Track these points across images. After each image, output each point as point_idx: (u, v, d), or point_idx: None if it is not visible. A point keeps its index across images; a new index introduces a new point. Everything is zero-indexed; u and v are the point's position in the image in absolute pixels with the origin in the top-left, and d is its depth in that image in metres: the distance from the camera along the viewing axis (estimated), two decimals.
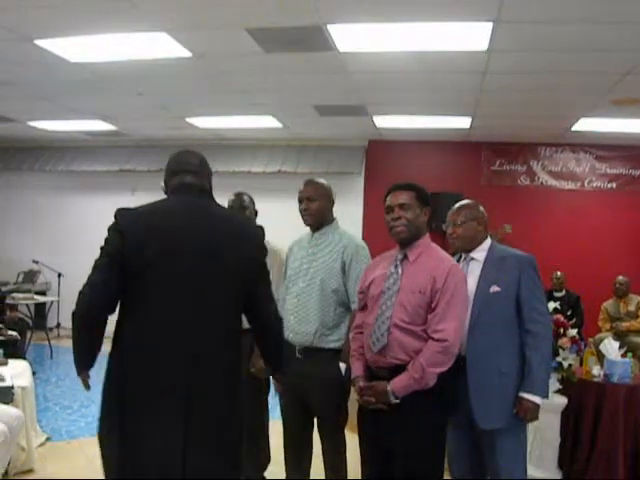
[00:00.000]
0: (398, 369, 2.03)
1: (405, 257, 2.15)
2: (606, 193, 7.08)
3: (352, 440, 2.40)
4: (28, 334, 5.73)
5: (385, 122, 6.51)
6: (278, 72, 4.78)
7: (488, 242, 2.44)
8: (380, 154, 7.44)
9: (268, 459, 3.03)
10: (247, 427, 2.92)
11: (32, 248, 7.80)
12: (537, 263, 2.38)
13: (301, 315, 2.54)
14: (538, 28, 3.62)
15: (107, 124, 7.01)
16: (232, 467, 1.88)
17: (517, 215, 6.85)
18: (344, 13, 3.56)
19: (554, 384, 3.18)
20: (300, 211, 2.63)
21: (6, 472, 2.94)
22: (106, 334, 1.82)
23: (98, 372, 1.83)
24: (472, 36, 3.79)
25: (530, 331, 2.28)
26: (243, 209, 2.96)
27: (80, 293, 1.74)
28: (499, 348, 2.28)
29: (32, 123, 7.09)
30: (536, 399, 2.25)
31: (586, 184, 7.14)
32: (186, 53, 4.29)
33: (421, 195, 2.17)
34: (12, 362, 3.59)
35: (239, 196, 2.99)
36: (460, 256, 2.46)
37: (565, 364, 3.22)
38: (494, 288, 2.29)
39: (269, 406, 3.02)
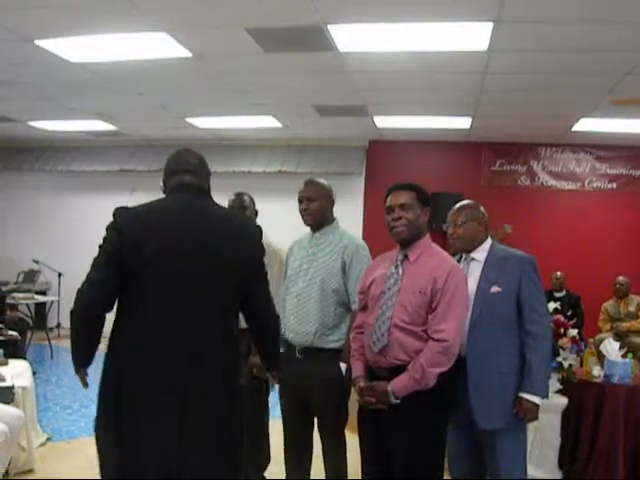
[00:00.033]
0: (398, 369, 2.03)
1: (405, 257, 2.15)
2: (606, 193, 7.09)
3: (352, 440, 2.40)
4: (28, 334, 5.73)
5: (385, 122, 6.51)
6: (278, 72, 4.78)
7: (489, 242, 2.44)
8: (380, 154, 7.44)
9: (268, 459, 3.03)
10: (247, 427, 2.93)
11: (32, 248, 7.80)
12: (537, 263, 2.38)
13: (301, 315, 2.54)
14: (538, 28, 3.62)
15: (107, 124, 7.02)
16: (232, 467, 1.88)
17: (517, 215, 6.84)
18: (344, 13, 3.56)
19: (554, 384, 3.18)
20: (300, 211, 2.63)
21: (6, 472, 2.94)
22: (104, 334, 1.82)
23: (97, 371, 1.83)
24: (472, 36, 3.79)
25: (530, 332, 2.28)
26: (243, 209, 2.96)
27: (78, 291, 1.75)
28: (499, 348, 2.28)
29: (32, 123, 7.09)
30: (536, 399, 2.25)
31: (586, 184, 7.14)
32: (186, 53, 4.29)
33: (421, 195, 2.17)
34: (12, 362, 3.59)
35: (239, 196, 2.99)
36: (460, 256, 2.46)
37: (565, 364, 3.22)
38: (495, 288, 2.29)
39: (269, 406, 3.02)
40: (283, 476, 2.74)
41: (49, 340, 6.59)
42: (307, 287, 2.55)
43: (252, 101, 5.72)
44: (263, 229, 3.03)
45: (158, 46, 4.15)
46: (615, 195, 7.05)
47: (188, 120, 6.66)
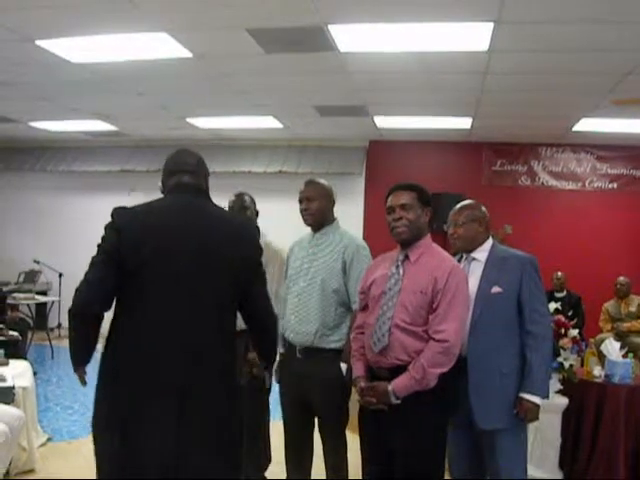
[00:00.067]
0: (399, 369, 2.03)
1: (406, 257, 2.14)
2: (607, 193, 7.08)
3: (353, 440, 2.40)
4: (29, 334, 5.74)
5: (386, 122, 6.51)
6: (279, 72, 4.78)
7: (489, 242, 2.44)
8: (381, 154, 7.44)
9: (269, 459, 3.03)
10: (248, 427, 2.92)
11: (33, 248, 7.81)
12: (538, 263, 2.38)
13: (302, 315, 2.54)
14: (539, 28, 3.62)
15: (108, 124, 7.02)
16: (231, 467, 1.89)
17: (518, 215, 6.84)
18: (345, 13, 3.56)
19: (555, 384, 3.18)
20: (300, 211, 2.63)
21: (7, 472, 2.94)
22: (101, 333, 1.83)
23: (97, 370, 1.83)
24: (473, 36, 3.79)
25: (531, 332, 2.28)
26: (244, 209, 2.96)
27: (77, 290, 1.75)
28: (500, 348, 2.27)
29: (33, 123, 7.10)
30: (536, 399, 2.25)
31: (587, 184, 7.14)
32: (187, 53, 4.30)
33: (422, 195, 2.17)
34: (13, 362, 3.60)
35: (240, 196, 2.99)
36: (461, 256, 2.46)
37: (566, 364, 3.22)
38: (495, 289, 2.29)
39: (270, 406, 3.02)
40: (284, 476, 2.74)
41: (50, 340, 6.59)
42: (308, 287, 2.55)
43: (253, 101, 5.73)
44: (264, 229, 3.03)
45: (159, 46, 4.15)
46: (616, 195, 7.04)
47: (189, 120, 6.67)
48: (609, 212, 6.97)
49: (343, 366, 2.46)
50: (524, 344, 2.29)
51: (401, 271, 2.12)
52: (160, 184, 1.97)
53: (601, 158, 7.08)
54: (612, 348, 3.61)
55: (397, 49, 4.10)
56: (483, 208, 2.49)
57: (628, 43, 3.75)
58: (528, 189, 7.25)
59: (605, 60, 4.10)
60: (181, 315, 1.78)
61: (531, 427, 2.55)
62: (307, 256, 2.61)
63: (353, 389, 2.34)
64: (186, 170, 1.91)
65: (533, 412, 2.26)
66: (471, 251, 2.42)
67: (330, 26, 3.73)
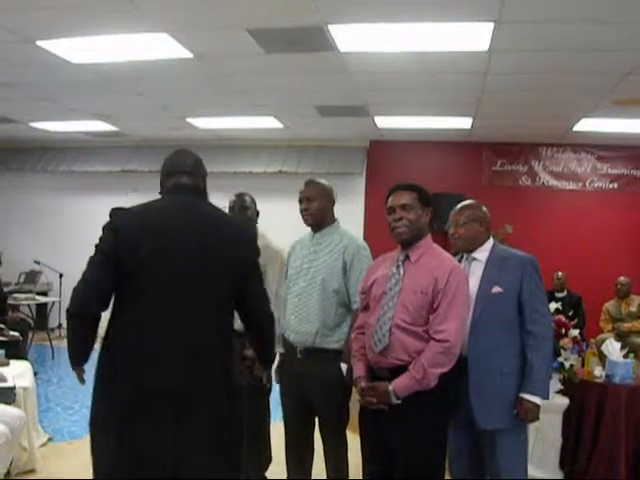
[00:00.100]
0: (400, 370, 2.03)
1: (407, 258, 2.15)
2: (607, 193, 7.08)
3: (354, 440, 2.40)
4: (30, 334, 5.74)
5: (386, 122, 6.51)
6: (279, 73, 4.78)
7: (490, 242, 2.44)
8: (381, 154, 7.44)
9: (269, 459, 3.03)
10: (248, 427, 2.91)
11: (34, 248, 7.81)
12: (539, 264, 2.38)
13: (302, 315, 2.54)
14: (539, 28, 3.62)
15: (108, 125, 7.02)
16: (231, 467, 1.89)
17: (518, 215, 6.84)
18: (345, 13, 3.56)
19: (556, 385, 3.17)
20: (300, 211, 2.64)
21: (8, 472, 2.95)
22: (98, 333, 1.83)
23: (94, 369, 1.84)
24: (473, 36, 3.79)
25: (531, 332, 2.28)
26: (244, 210, 2.96)
27: (74, 290, 1.76)
28: (500, 349, 2.28)
29: (34, 124, 7.10)
30: (536, 400, 2.25)
31: (587, 184, 7.14)
32: (187, 54, 4.30)
33: (423, 196, 2.17)
34: (14, 363, 3.60)
35: (240, 197, 3.00)
36: (462, 256, 2.46)
37: (567, 365, 3.22)
38: (496, 289, 2.29)
39: (271, 406, 3.02)
40: (284, 476, 2.74)
41: (50, 341, 6.60)
42: (308, 287, 2.55)
43: (253, 102, 5.73)
44: (264, 229, 3.05)
45: (159, 47, 4.16)
46: (616, 195, 7.04)
47: (189, 121, 6.67)
48: (610, 212, 6.96)
49: (343, 366, 2.46)
50: (524, 344, 2.29)
51: (402, 271, 2.12)
52: (160, 186, 1.98)
53: (601, 158, 7.07)
54: (613, 348, 3.61)
55: (397, 49, 4.10)
56: (484, 208, 2.49)
57: (628, 43, 3.75)
58: (528, 189, 7.24)
59: (605, 60, 4.10)
60: (180, 315, 1.79)
61: (532, 427, 2.55)
62: (307, 256, 2.61)
63: (354, 389, 2.34)
64: (184, 171, 1.92)
65: (533, 412, 2.26)
66: (472, 251, 2.42)
67: (330, 26, 3.74)
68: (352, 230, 2.75)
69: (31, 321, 6.27)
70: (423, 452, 2.04)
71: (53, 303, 7.20)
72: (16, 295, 6.44)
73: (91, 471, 1.81)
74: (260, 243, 2.90)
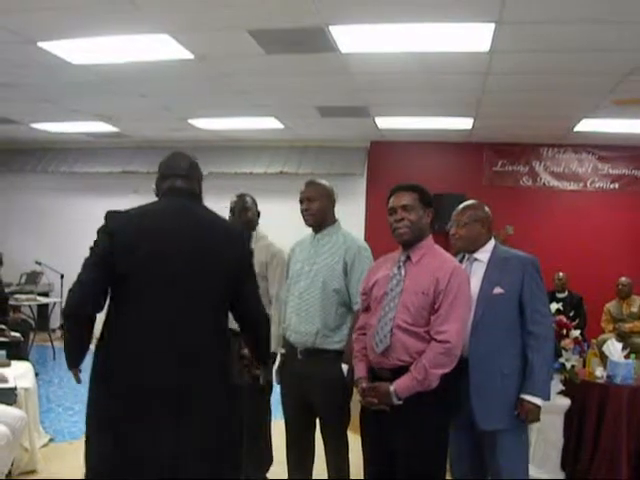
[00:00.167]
0: (401, 370, 2.03)
1: (408, 258, 2.15)
2: (609, 194, 7.07)
3: (355, 441, 2.40)
4: (31, 335, 5.75)
5: (387, 123, 6.51)
6: (280, 73, 4.79)
7: (492, 243, 2.44)
8: (382, 155, 7.44)
9: (270, 459, 3.03)
10: (249, 427, 2.92)
11: (35, 249, 7.81)
12: (540, 264, 2.38)
13: (303, 315, 2.54)
14: (540, 29, 3.62)
15: (109, 125, 7.03)
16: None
17: (519, 216, 6.84)
18: (346, 14, 3.56)
19: (557, 385, 3.17)
20: (301, 212, 2.64)
21: (9, 472, 2.95)
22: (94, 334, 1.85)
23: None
24: (474, 37, 3.79)
25: (532, 333, 2.28)
26: (245, 210, 2.97)
27: (70, 291, 1.79)
28: (501, 349, 2.27)
29: (35, 125, 7.11)
30: (537, 401, 2.24)
31: (588, 185, 7.13)
32: (188, 55, 4.30)
33: (424, 196, 2.17)
34: (15, 363, 3.60)
35: (241, 197, 3.00)
36: (463, 256, 2.46)
37: (568, 365, 3.21)
38: (497, 290, 2.29)
39: (272, 407, 3.02)
40: (285, 476, 2.74)
41: (51, 341, 6.60)
42: (309, 287, 2.55)
43: (254, 102, 5.73)
44: (265, 230, 3.05)
45: (160, 48, 4.16)
46: (617, 195, 7.03)
47: (190, 121, 6.67)
48: (611, 212, 6.96)
49: (344, 367, 2.46)
50: (525, 345, 2.29)
51: (403, 272, 2.12)
52: (154, 187, 1.99)
53: (602, 158, 7.07)
54: (614, 349, 3.61)
55: (398, 50, 4.10)
56: (486, 208, 2.48)
57: (628, 43, 3.75)
58: (529, 189, 7.24)
59: (606, 60, 4.10)
60: (176, 316, 1.80)
61: (533, 428, 2.55)
62: (308, 257, 2.61)
63: (355, 390, 2.34)
64: (179, 174, 1.94)
65: (534, 413, 2.25)
66: (473, 252, 2.42)
67: (331, 27, 3.74)
68: (353, 231, 2.75)
69: (32, 322, 6.28)
70: (424, 453, 2.04)
71: (54, 304, 7.20)
72: (17, 296, 6.44)
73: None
74: (262, 244, 2.94)
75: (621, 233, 6.87)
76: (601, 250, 6.80)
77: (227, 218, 2.90)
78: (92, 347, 1.86)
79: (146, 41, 4.05)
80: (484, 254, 2.40)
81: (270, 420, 3.04)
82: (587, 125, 6.04)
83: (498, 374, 2.26)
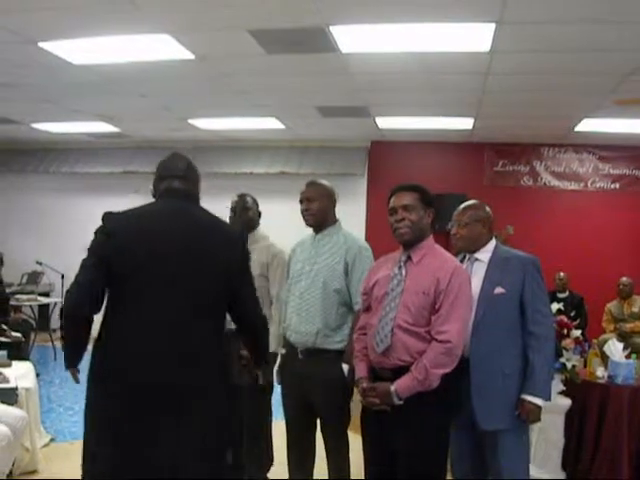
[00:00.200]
0: (402, 370, 2.03)
1: (409, 258, 2.15)
2: (609, 194, 7.07)
3: (356, 441, 2.40)
4: (32, 335, 5.75)
5: (388, 123, 6.51)
6: (280, 73, 4.79)
7: (493, 243, 2.43)
8: (383, 155, 7.44)
9: (271, 459, 3.03)
10: (250, 428, 2.92)
11: (36, 249, 7.81)
12: (540, 264, 2.38)
13: (303, 315, 2.54)
14: (541, 29, 3.62)
15: (110, 126, 7.03)
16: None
17: (520, 216, 6.83)
18: (346, 14, 3.56)
19: (558, 385, 3.17)
20: (301, 212, 2.64)
21: (10, 472, 2.95)
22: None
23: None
24: (475, 37, 3.79)
25: (533, 333, 2.28)
26: (246, 210, 2.97)
27: (67, 292, 1.80)
28: (502, 349, 2.27)
29: (35, 125, 7.12)
30: (538, 401, 2.24)
31: (589, 185, 7.13)
32: (189, 55, 4.30)
33: (425, 196, 2.17)
34: (16, 363, 3.61)
35: (242, 197, 3.01)
36: (464, 256, 2.46)
37: (569, 365, 3.21)
38: (498, 290, 2.29)
39: (272, 407, 3.02)
40: (286, 476, 2.74)
41: (52, 341, 6.60)
42: (310, 287, 2.55)
43: (254, 102, 5.73)
44: (266, 230, 3.05)
45: (161, 48, 4.16)
46: (618, 195, 7.03)
47: (191, 121, 6.68)
48: (611, 212, 6.95)
49: (345, 367, 2.46)
50: (526, 345, 2.28)
51: (404, 272, 2.12)
52: (151, 187, 2.00)
53: (603, 158, 7.06)
54: (615, 349, 3.61)
55: (399, 50, 4.10)
56: (487, 208, 2.48)
57: (629, 43, 3.75)
58: (530, 189, 7.24)
59: (607, 60, 4.10)
60: (173, 316, 1.81)
61: (534, 428, 2.55)
62: (309, 258, 2.61)
63: (355, 390, 2.34)
64: (176, 175, 1.95)
65: (534, 414, 2.25)
66: (474, 252, 2.42)
67: (332, 27, 3.74)
68: (354, 231, 2.75)
69: (33, 322, 6.29)
70: (425, 453, 2.04)
71: (55, 304, 7.19)
72: (18, 296, 6.44)
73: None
74: (263, 244, 2.94)
75: (622, 233, 6.87)
76: (602, 250, 6.79)
77: (228, 218, 2.90)
78: (90, 347, 1.86)
79: (146, 41, 4.05)
80: (485, 254, 2.39)
81: (271, 420, 3.04)
82: (588, 125, 6.04)
83: (499, 374, 2.26)
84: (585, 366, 3.60)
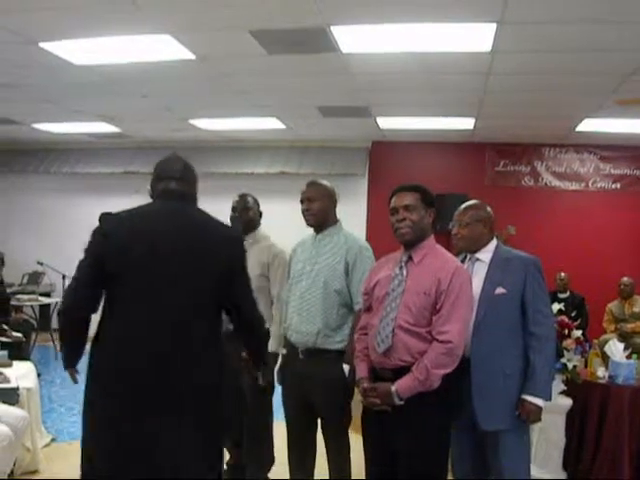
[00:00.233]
0: (403, 370, 2.03)
1: (410, 258, 2.14)
2: (610, 194, 7.07)
3: (356, 441, 2.40)
4: (33, 335, 5.76)
5: (388, 123, 6.51)
6: (281, 74, 4.79)
7: (494, 243, 2.43)
8: (384, 155, 7.44)
9: (272, 460, 3.03)
10: (251, 428, 2.92)
11: (36, 250, 7.82)
12: (541, 264, 2.38)
13: (304, 315, 2.54)
14: (542, 29, 3.61)
15: (111, 126, 7.04)
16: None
17: (521, 216, 6.83)
18: (347, 14, 3.56)
19: (559, 385, 3.17)
20: (302, 212, 2.64)
21: (12, 472, 2.96)
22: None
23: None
24: (476, 37, 3.79)
25: (534, 333, 2.28)
26: (247, 210, 2.98)
27: (65, 293, 1.85)
28: (503, 350, 2.27)
29: (36, 125, 7.12)
30: (538, 401, 2.24)
31: (590, 185, 7.12)
32: (190, 55, 4.30)
33: (426, 196, 2.17)
34: (17, 364, 3.61)
35: (243, 197, 3.01)
36: (465, 256, 2.46)
37: (570, 365, 3.21)
38: (499, 290, 2.29)
39: (273, 407, 3.02)
40: (287, 476, 2.74)
41: (53, 342, 6.61)
42: (310, 287, 2.55)
43: (255, 102, 5.74)
44: (266, 230, 3.05)
45: (162, 48, 4.16)
46: (619, 195, 7.03)
47: (191, 122, 6.68)
48: (612, 212, 6.95)
49: (345, 367, 2.46)
50: (527, 346, 2.28)
51: (405, 272, 2.12)
52: (149, 188, 2.01)
53: (604, 158, 7.06)
54: (616, 349, 3.61)
55: (400, 50, 4.10)
56: (488, 208, 2.48)
57: (630, 43, 3.75)
58: (531, 189, 7.23)
59: (608, 60, 4.10)
60: (170, 316, 1.81)
61: (535, 428, 2.55)
62: (309, 258, 2.61)
63: (356, 390, 2.34)
64: (173, 176, 1.96)
65: (535, 414, 2.25)
66: (475, 252, 2.41)
67: (333, 27, 3.74)
68: (354, 231, 2.75)
69: (34, 322, 6.29)
70: (426, 453, 2.04)
71: (56, 304, 7.18)
72: (19, 296, 6.44)
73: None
74: (264, 244, 2.95)
75: (623, 233, 6.86)
76: (603, 250, 6.79)
77: (229, 217, 2.91)
78: (88, 347, 1.87)
79: (147, 41, 4.05)
80: (486, 254, 2.39)
81: (272, 420, 3.04)
82: (589, 125, 6.04)
83: (500, 374, 2.26)
84: (586, 366, 3.60)
